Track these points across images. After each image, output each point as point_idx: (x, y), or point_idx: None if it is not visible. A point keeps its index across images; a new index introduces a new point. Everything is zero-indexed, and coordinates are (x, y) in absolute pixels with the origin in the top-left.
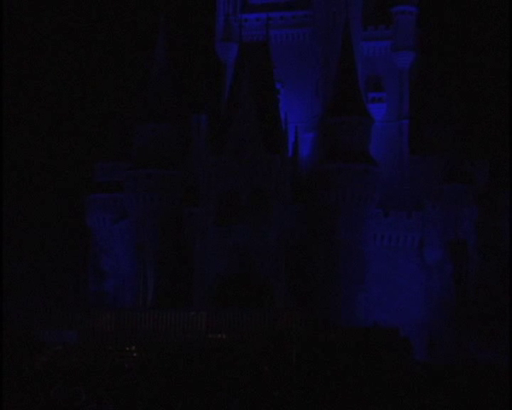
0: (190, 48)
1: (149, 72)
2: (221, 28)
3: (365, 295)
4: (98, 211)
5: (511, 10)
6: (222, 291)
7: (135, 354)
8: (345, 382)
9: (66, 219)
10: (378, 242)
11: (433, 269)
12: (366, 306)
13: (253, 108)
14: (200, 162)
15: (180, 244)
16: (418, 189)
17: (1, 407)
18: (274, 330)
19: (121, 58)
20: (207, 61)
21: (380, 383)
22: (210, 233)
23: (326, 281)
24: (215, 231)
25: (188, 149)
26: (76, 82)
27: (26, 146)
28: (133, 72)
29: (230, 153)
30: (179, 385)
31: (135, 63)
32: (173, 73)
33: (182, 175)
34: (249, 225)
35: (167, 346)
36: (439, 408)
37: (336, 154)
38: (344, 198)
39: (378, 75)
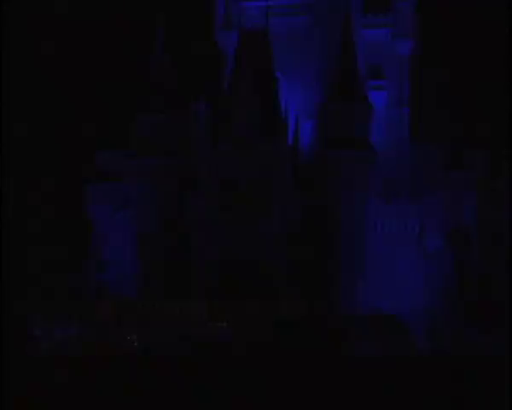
0: (190, 37)
1: (149, 60)
2: (221, 16)
3: (366, 283)
4: (99, 200)
5: None
6: (222, 281)
7: (136, 344)
8: (347, 370)
9: (67, 208)
10: (378, 229)
11: (433, 257)
12: (366, 293)
13: (253, 96)
14: (199, 151)
15: (181, 233)
16: (418, 176)
17: (4, 396)
18: (276, 319)
19: (122, 48)
20: (207, 50)
21: (382, 369)
22: (210, 223)
23: (327, 269)
24: (215, 221)
25: (188, 138)
26: (77, 71)
27: (27, 136)
28: (134, 61)
29: (230, 141)
30: (181, 373)
31: (135, 53)
32: (173, 62)
33: (182, 164)
34: (250, 214)
35: (168, 334)
36: (438, 396)
37: (336, 141)
38: (344, 186)
39: (378, 63)
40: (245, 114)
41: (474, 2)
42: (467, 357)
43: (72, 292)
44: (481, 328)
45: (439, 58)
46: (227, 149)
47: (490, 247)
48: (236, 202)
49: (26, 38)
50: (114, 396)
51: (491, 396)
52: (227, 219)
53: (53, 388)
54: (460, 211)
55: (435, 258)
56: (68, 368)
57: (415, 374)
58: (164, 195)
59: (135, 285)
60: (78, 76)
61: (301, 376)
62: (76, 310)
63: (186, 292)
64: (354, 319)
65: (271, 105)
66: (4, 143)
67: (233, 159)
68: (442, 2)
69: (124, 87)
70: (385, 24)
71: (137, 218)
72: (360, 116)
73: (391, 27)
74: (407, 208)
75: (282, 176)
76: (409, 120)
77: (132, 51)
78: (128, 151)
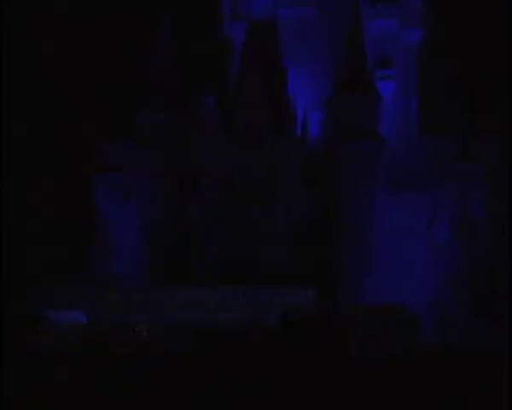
0: (196, 28)
1: (155, 52)
2: (228, 7)
3: (374, 275)
4: (106, 192)
5: None
6: (227, 275)
7: (145, 334)
8: (353, 363)
9: (72, 198)
10: (387, 222)
11: (442, 249)
12: (374, 288)
13: (261, 87)
14: (206, 144)
15: (181, 233)
16: (427, 168)
17: (4, 385)
18: (284, 310)
19: (124, 44)
20: (215, 42)
21: (389, 362)
22: (216, 217)
23: (334, 262)
24: (221, 215)
25: (192, 136)
26: (77, 71)
27: (27, 136)
28: (136, 57)
29: (238, 134)
30: (189, 365)
31: (137, 49)
32: (179, 53)
33: (189, 156)
34: (257, 207)
35: (176, 325)
36: (446, 390)
37: (345, 133)
38: (352, 178)
39: (387, 52)
40: (252, 110)
41: None
42: (476, 350)
43: (78, 281)
44: (491, 321)
45: (449, 48)
46: (233, 143)
47: (499, 239)
48: (242, 202)
49: (26, 38)
50: (115, 394)
51: (500, 391)
52: (230, 218)
53: (53, 386)
54: (469, 203)
55: (444, 250)
56: (69, 365)
57: (424, 368)
58: (169, 189)
59: (141, 275)
60: (78, 75)
61: (307, 374)
62: (82, 300)
63: (192, 282)
64: (360, 314)
65: (279, 97)
66: (4, 144)
67: (240, 153)
68: None
69: (126, 85)
70: (394, 14)
71: (143, 209)
72: (369, 107)
73: (400, 17)
74: (415, 201)
75: (289, 170)
76: (417, 110)
77: (134, 47)
78: (134, 144)
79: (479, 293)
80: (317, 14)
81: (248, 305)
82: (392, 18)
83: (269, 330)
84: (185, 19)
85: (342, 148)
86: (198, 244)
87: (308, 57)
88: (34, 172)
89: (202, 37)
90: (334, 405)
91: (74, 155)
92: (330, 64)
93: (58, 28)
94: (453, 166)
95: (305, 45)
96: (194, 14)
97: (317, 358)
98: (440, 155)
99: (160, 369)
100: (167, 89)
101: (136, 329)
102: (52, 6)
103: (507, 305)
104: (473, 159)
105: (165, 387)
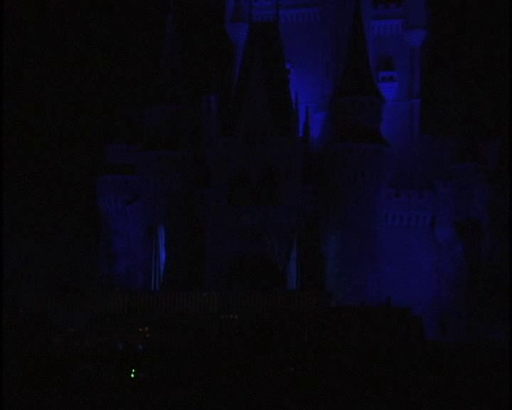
0: (201, 29)
1: (160, 53)
2: (231, 9)
3: (377, 274)
4: (110, 193)
5: None
6: (234, 272)
7: (148, 336)
8: (356, 359)
9: (77, 201)
10: (390, 221)
11: (444, 248)
12: (378, 285)
13: (264, 88)
14: (210, 143)
15: (192, 225)
16: (430, 168)
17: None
18: (286, 309)
19: (132, 40)
20: (218, 42)
21: (392, 361)
22: (221, 214)
23: (338, 261)
24: (226, 212)
25: (198, 130)
26: (87, 65)
27: (38, 131)
28: (145, 53)
29: (241, 134)
30: (193, 365)
31: (146, 44)
32: (184, 54)
33: (193, 156)
34: (260, 206)
35: (180, 327)
36: (449, 387)
37: (347, 134)
38: (355, 178)
39: (389, 54)
40: (255, 107)
41: None
42: (477, 348)
43: (84, 284)
44: (492, 319)
45: (451, 49)
46: (238, 142)
47: (501, 238)
48: (246, 196)
49: (33, 37)
50: (116, 393)
51: (501, 388)
52: (236, 212)
53: (56, 386)
54: (471, 202)
55: (446, 249)
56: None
57: (425, 365)
58: (174, 187)
59: (146, 277)
60: (87, 70)
61: (312, 364)
62: (88, 302)
63: (197, 283)
64: (365, 310)
65: (282, 97)
66: (4, 144)
67: (244, 151)
68: None
69: (131, 86)
70: (396, 15)
71: (148, 210)
72: (370, 108)
73: (402, 18)
74: (418, 200)
75: (292, 168)
76: (420, 111)
77: (139, 48)
78: (139, 144)
79: (480, 292)
80: (319, 15)
81: (251, 305)
82: (394, 19)
83: (271, 329)
84: (189, 21)
85: (345, 148)
86: (202, 243)
87: (310, 58)
88: (37, 173)
89: (206, 38)
90: (337, 403)
91: (79, 156)
92: (332, 64)
93: (65, 28)
94: (455, 166)
95: (307, 47)
96: (198, 16)
97: (320, 356)
98: (443, 156)
99: (163, 368)
100: (171, 89)
101: (140, 330)
102: (58, 7)
103: (508, 304)
104: (475, 159)
105: (165, 386)
